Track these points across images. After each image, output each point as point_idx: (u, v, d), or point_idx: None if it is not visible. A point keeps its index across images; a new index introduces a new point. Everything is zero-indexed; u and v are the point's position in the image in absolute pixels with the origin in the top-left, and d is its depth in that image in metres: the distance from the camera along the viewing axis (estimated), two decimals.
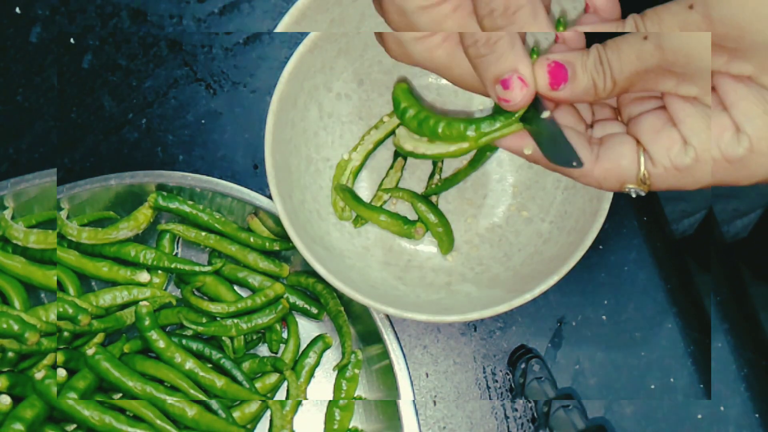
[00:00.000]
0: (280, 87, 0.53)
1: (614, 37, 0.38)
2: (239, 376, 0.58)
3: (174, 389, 0.57)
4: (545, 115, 0.41)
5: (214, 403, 0.57)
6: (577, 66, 0.39)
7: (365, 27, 0.56)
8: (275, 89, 0.53)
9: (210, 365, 0.59)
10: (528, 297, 0.51)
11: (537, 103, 0.41)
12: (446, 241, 0.59)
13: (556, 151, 0.40)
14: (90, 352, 0.55)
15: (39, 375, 0.53)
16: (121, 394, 0.57)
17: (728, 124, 0.36)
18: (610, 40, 0.38)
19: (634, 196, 0.40)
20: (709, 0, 0.34)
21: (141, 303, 0.58)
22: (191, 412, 0.55)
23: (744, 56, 0.34)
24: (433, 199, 0.61)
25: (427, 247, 0.61)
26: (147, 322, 0.57)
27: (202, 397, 0.56)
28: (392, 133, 0.61)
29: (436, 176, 0.61)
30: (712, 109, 0.37)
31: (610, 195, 0.52)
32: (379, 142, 0.61)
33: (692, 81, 0.36)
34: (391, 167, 0.61)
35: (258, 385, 0.59)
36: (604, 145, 0.40)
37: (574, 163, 0.40)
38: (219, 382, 0.57)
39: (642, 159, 0.38)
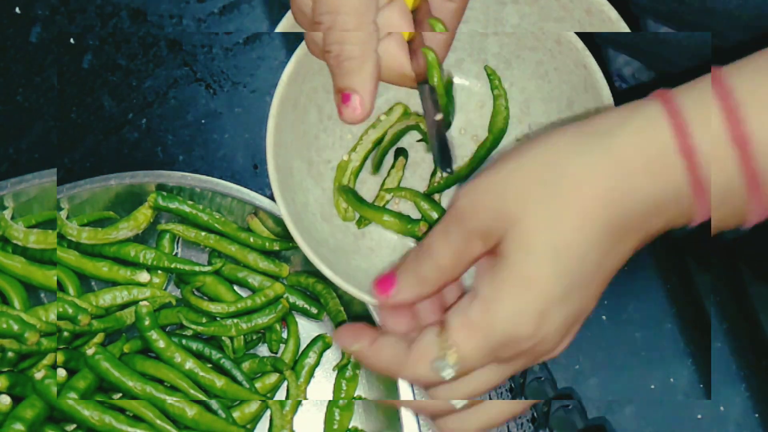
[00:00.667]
0: (280, 90, 0.53)
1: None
2: (239, 376, 0.58)
3: (174, 389, 0.57)
4: (438, 117, 0.46)
5: (213, 403, 0.57)
6: (399, 269, 0.41)
7: None
8: (275, 93, 0.53)
9: (210, 365, 0.59)
10: None
11: (435, 105, 0.46)
12: None
13: (439, 154, 0.46)
14: (90, 352, 0.55)
15: (39, 375, 0.53)
16: (121, 394, 0.57)
17: (470, 296, 0.38)
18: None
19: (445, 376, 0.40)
20: (455, 197, 0.39)
21: (141, 303, 0.58)
22: (191, 411, 0.55)
23: (488, 235, 0.37)
24: (436, 197, 0.61)
25: None
26: (147, 322, 0.57)
27: (202, 397, 0.56)
28: (389, 131, 0.61)
29: (438, 174, 0.61)
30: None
31: None
32: (378, 141, 0.61)
33: (489, 236, 0.37)
34: (393, 166, 0.61)
35: (258, 385, 0.59)
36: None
37: (448, 170, 0.46)
38: (219, 382, 0.57)
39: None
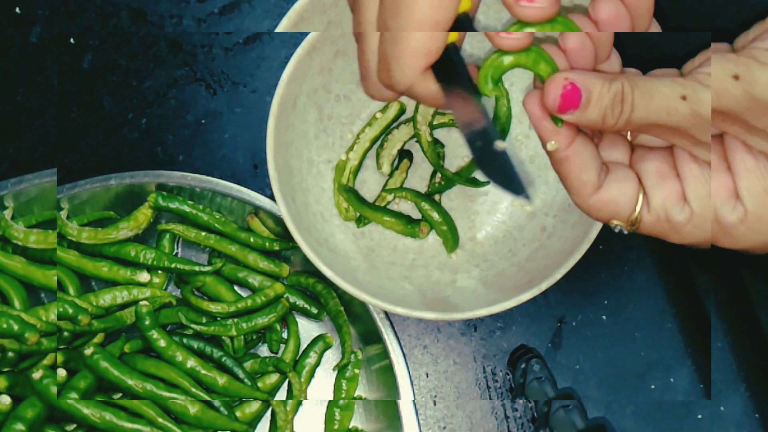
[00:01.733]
0: (280, 90, 0.53)
1: (649, 76, 0.37)
2: (241, 374, 0.58)
3: (175, 387, 0.57)
4: (501, 146, 0.38)
5: (216, 402, 0.57)
6: (594, 95, 0.36)
7: None
8: (275, 93, 0.53)
9: (211, 364, 0.59)
10: (535, 291, 0.51)
11: (490, 132, 0.39)
12: (451, 239, 0.60)
13: (506, 182, 0.38)
14: (88, 352, 0.55)
15: (37, 375, 0.53)
16: (121, 394, 0.57)
17: (730, 188, 0.36)
18: (642, 80, 0.36)
19: (616, 231, 0.39)
20: (755, 79, 0.33)
21: (141, 303, 0.58)
22: (193, 409, 0.55)
23: (766, 136, 0.34)
24: (436, 197, 0.61)
25: (431, 245, 0.61)
26: (147, 322, 0.57)
27: (204, 396, 0.56)
28: (386, 129, 0.61)
29: (438, 174, 0.61)
30: (714, 167, 0.37)
31: None
32: (375, 140, 0.61)
33: (709, 148, 0.35)
34: (396, 168, 0.61)
35: (258, 385, 0.59)
36: (609, 176, 0.39)
37: (522, 196, 0.38)
38: (221, 380, 0.57)
39: (640, 202, 0.38)
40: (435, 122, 0.61)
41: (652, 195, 0.38)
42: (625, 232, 0.39)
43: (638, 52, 0.55)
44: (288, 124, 0.56)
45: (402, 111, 0.61)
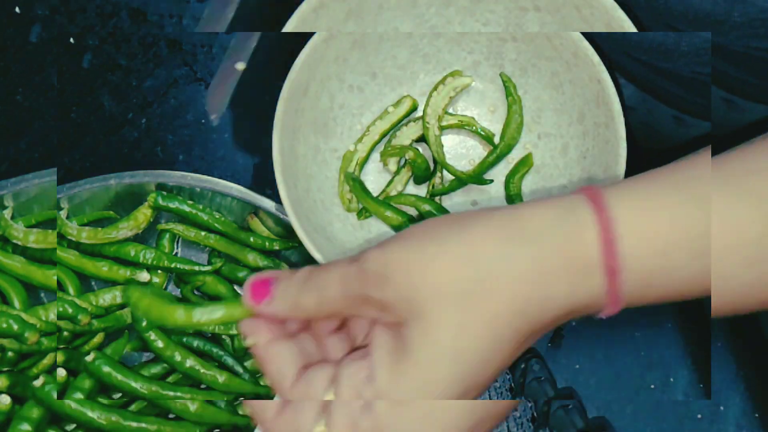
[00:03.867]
0: (292, 75, 0.53)
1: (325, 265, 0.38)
2: (241, 371, 0.58)
3: (179, 384, 0.57)
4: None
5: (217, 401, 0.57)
6: (282, 283, 0.38)
7: (383, 19, 0.56)
8: (287, 76, 0.53)
9: (211, 362, 0.59)
10: None
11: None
12: None
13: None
14: (89, 358, 0.55)
15: (38, 382, 0.53)
16: (120, 394, 0.57)
17: (366, 367, 0.36)
18: (318, 268, 0.38)
19: None
20: (366, 257, 0.35)
21: None
22: (194, 406, 0.56)
23: (387, 308, 0.35)
24: (437, 200, 0.61)
25: None
26: (144, 323, 0.57)
27: (207, 396, 0.56)
28: (397, 124, 0.61)
29: (437, 178, 0.61)
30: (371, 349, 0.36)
31: None
32: (385, 133, 0.61)
33: (387, 308, 0.35)
34: (403, 165, 0.61)
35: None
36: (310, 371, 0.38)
37: None
38: (221, 377, 0.57)
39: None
40: (444, 123, 0.61)
41: (340, 380, 0.36)
42: None
43: (641, 57, 0.55)
44: (298, 109, 0.55)
45: (414, 107, 0.61)
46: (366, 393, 0.35)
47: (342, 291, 0.36)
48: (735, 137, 0.39)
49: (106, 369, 0.55)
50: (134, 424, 0.54)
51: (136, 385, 0.55)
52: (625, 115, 0.51)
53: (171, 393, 0.55)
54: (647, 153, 0.59)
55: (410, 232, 0.36)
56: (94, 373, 0.55)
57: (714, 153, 0.37)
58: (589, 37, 0.53)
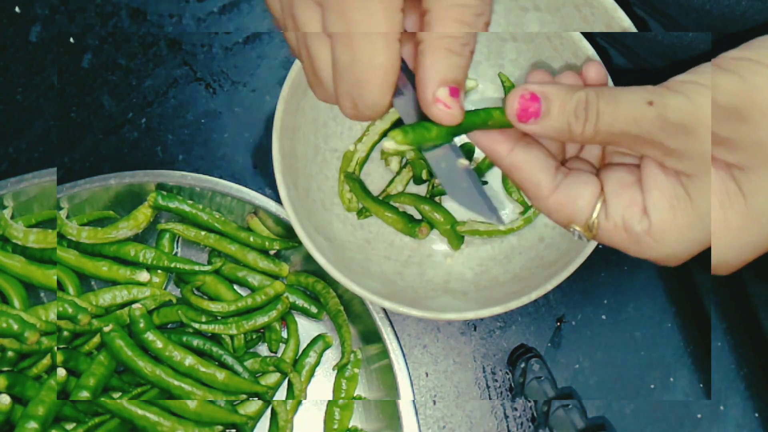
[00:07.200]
0: (293, 74, 0.53)
1: (611, 87, 0.36)
2: (240, 370, 0.58)
3: (181, 374, 0.57)
4: (463, 164, 0.38)
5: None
6: (554, 104, 0.36)
7: None
8: (287, 76, 0.53)
9: (211, 361, 0.59)
10: (525, 300, 0.51)
11: (453, 151, 0.38)
12: (455, 237, 0.59)
13: (473, 204, 0.38)
14: (107, 329, 0.56)
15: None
16: (120, 393, 0.57)
17: (639, 201, 0.36)
18: (607, 89, 0.36)
19: (576, 237, 0.39)
20: (668, 104, 0.33)
21: (134, 306, 0.58)
22: (192, 404, 0.56)
23: (680, 157, 0.34)
24: (437, 200, 0.61)
25: (428, 244, 0.61)
26: (142, 324, 0.57)
27: (208, 395, 0.56)
28: (396, 124, 0.61)
29: (437, 178, 0.61)
30: (629, 184, 0.37)
31: None
32: (385, 133, 0.61)
33: (680, 158, 0.34)
34: (404, 166, 0.61)
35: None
36: (568, 178, 0.38)
37: (491, 218, 0.38)
38: (220, 375, 0.57)
39: (598, 207, 0.37)
40: None
41: (611, 202, 0.37)
42: (585, 240, 0.39)
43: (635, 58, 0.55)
44: (298, 109, 0.55)
45: None
46: (637, 227, 0.35)
47: (629, 129, 0.35)
48: None
49: (119, 343, 0.56)
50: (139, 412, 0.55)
51: (142, 364, 0.56)
52: None
53: (175, 381, 0.56)
54: None
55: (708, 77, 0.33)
56: (106, 345, 0.56)
57: None
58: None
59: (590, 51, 0.52)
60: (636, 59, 0.59)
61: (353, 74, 0.37)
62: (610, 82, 0.50)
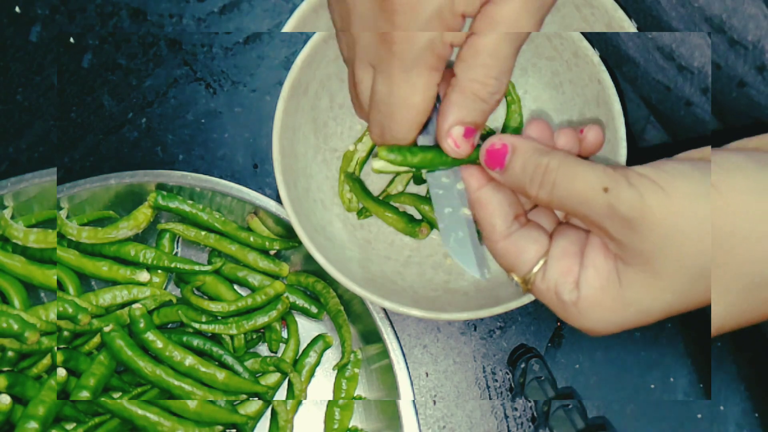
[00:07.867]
0: (292, 74, 0.53)
1: (578, 159, 0.37)
2: (240, 369, 0.58)
3: (181, 374, 0.57)
4: (465, 213, 0.42)
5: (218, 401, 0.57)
6: (518, 160, 0.39)
7: None
8: (287, 76, 0.53)
9: (211, 361, 0.59)
10: (525, 300, 0.51)
11: (460, 198, 0.42)
12: None
13: (462, 257, 0.42)
14: (107, 329, 0.56)
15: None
16: (120, 393, 0.57)
17: (575, 273, 0.38)
18: (573, 162, 0.37)
19: (513, 284, 0.41)
20: (621, 196, 0.35)
21: (134, 306, 0.58)
22: (192, 404, 0.56)
23: (621, 247, 0.36)
24: None
25: (428, 244, 0.61)
26: (142, 325, 0.57)
27: (208, 395, 0.56)
28: None
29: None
30: (571, 253, 0.38)
31: None
32: None
33: (621, 247, 0.36)
34: (397, 174, 0.61)
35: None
36: (522, 230, 0.40)
37: (478, 274, 0.41)
38: (220, 375, 0.57)
39: (539, 265, 0.39)
40: None
41: (550, 265, 0.39)
42: (521, 290, 0.40)
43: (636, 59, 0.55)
44: (298, 109, 0.55)
45: None
46: (566, 296, 0.37)
47: (580, 208, 0.36)
48: None
49: (119, 343, 0.56)
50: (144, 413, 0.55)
51: (142, 364, 0.56)
52: (625, 114, 0.51)
53: (175, 381, 0.56)
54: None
55: (670, 176, 0.35)
56: (106, 344, 0.56)
57: None
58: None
59: (590, 50, 0.52)
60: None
61: (387, 107, 0.41)
62: (623, 131, 0.51)
